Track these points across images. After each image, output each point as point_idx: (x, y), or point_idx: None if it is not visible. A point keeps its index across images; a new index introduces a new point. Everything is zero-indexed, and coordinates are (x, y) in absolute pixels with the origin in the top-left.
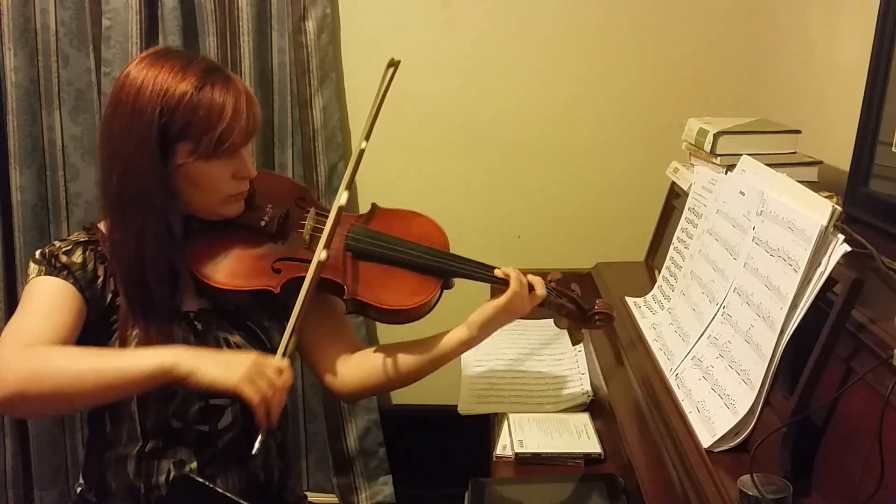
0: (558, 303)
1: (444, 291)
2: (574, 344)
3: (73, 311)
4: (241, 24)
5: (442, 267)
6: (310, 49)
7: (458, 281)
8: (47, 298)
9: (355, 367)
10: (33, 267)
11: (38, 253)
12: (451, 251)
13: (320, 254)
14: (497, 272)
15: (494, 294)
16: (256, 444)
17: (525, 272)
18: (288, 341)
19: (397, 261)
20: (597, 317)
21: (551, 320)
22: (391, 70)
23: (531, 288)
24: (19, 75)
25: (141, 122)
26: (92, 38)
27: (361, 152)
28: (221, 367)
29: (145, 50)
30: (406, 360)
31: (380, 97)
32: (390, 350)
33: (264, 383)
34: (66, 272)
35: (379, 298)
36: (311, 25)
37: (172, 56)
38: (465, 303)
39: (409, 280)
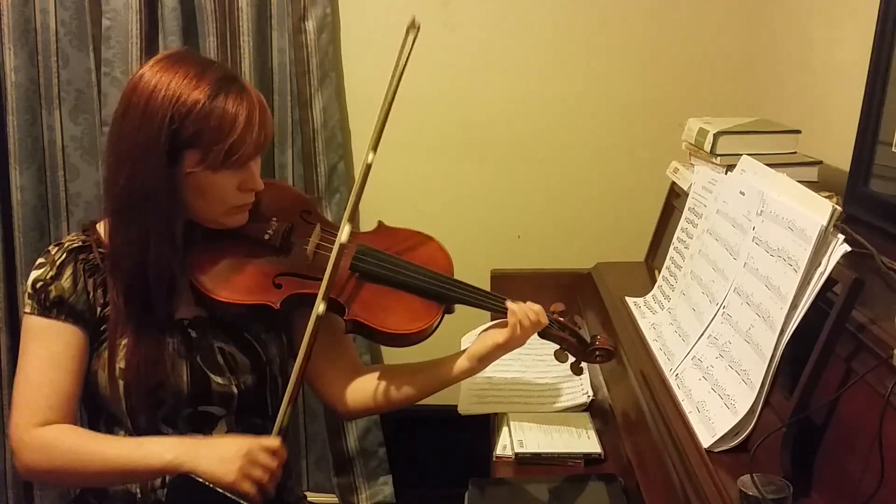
0: (560, 336)
1: (446, 316)
2: (576, 375)
3: (75, 357)
4: (241, 24)
5: (446, 293)
6: (310, 49)
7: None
8: (47, 354)
9: (357, 390)
10: (27, 301)
11: (30, 283)
12: (453, 260)
13: (319, 307)
14: (508, 304)
15: (494, 318)
16: None
17: (525, 272)
18: (283, 416)
19: (401, 284)
20: (597, 353)
21: None
22: (412, 34)
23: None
24: (19, 75)
25: (151, 127)
26: (92, 38)
27: (368, 167)
28: (217, 463)
29: (146, 50)
30: (408, 386)
31: (401, 66)
32: (392, 375)
33: (259, 471)
34: (56, 310)
35: (380, 321)
36: (311, 25)
37: (188, 61)
38: (466, 322)
39: (411, 304)
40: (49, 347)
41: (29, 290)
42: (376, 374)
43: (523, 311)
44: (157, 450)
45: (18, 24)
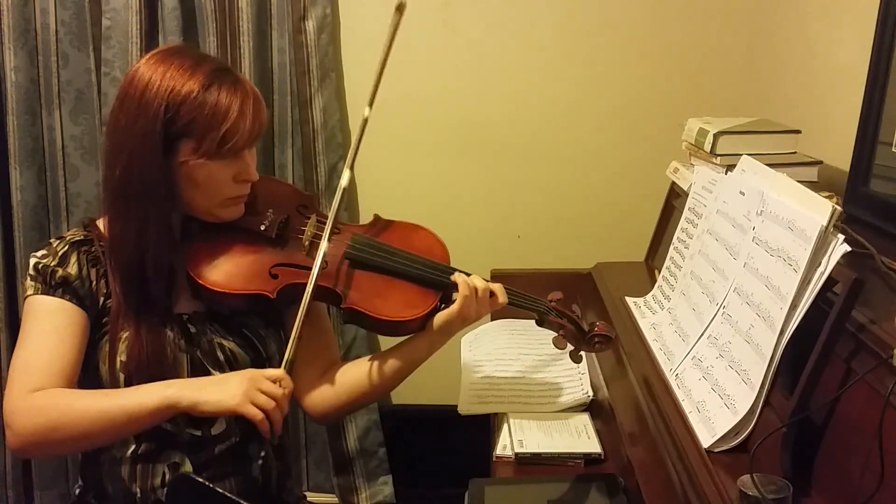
0: (558, 322)
1: (443, 305)
2: (575, 362)
3: (76, 333)
4: (241, 24)
5: (442, 280)
6: (310, 49)
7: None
8: (49, 327)
9: (328, 387)
10: (29, 283)
11: (32, 266)
12: (452, 259)
13: (322, 246)
14: (453, 277)
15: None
16: (262, 454)
17: (525, 272)
18: (290, 350)
19: (397, 272)
20: (596, 339)
21: None
22: (398, 14)
23: (492, 293)
24: (19, 75)
25: (146, 117)
26: (92, 38)
27: (365, 121)
28: (220, 391)
29: (145, 49)
30: (377, 373)
31: (388, 45)
32: (360, 365)
33: (263, 399)
34: (62, 289)
35: (376, 309)
36: (311, 25)
37: (183, 54)
38: None
39: (407, 292)
40: (51, 321)
41: (31, 272)
42: (345, 369)
43: (463, 280)
44: (156, 388)
45: (18, 24)
